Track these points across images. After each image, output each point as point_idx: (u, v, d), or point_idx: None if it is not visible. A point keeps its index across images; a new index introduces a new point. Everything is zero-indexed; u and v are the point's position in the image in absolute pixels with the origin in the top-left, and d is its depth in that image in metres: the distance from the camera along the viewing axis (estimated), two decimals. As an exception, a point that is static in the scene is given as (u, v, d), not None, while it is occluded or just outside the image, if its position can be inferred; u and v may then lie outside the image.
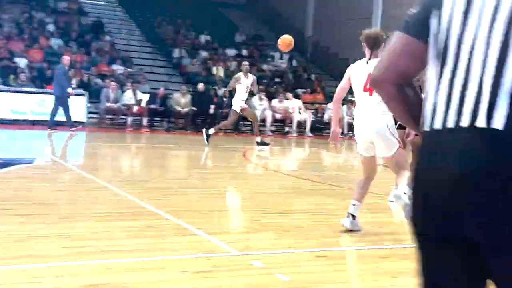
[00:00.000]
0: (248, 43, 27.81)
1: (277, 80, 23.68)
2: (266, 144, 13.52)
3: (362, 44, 5.52)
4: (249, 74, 13.32)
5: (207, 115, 18.21)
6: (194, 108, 17.78)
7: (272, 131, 18.49)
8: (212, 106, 18.02)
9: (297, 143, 16.83)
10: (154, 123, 17.96)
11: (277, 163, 12.47)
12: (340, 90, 5.69)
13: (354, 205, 5.48)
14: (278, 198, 7.35)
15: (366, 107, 5.38)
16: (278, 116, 18.89)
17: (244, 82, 13.13)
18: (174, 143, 14.96)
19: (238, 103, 13.25)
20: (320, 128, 20.07)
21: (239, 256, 4.47)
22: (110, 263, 4.08)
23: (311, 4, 30.57)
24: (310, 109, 20.18)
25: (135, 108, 17.38)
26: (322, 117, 19.87)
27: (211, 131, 13.42)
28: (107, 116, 17.78)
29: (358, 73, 5.51)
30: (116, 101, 17.35)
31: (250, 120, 14.37)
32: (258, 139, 13.42)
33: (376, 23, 26.17)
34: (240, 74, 13.28)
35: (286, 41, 9.90)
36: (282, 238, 5.19)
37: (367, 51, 5.47)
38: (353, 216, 5.43)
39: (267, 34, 30.12)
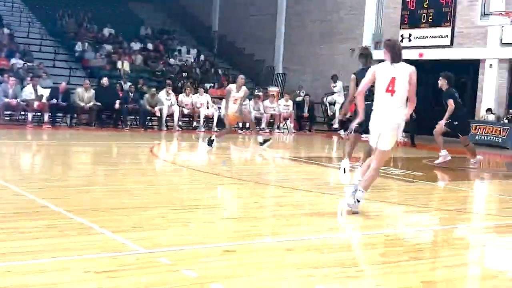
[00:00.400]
0: (154, 37, 27.44)
1: (184, 74, 23.51)
2: (210, 145, 12.81)
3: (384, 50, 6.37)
4: (243, 88, 13.18)
5: (113, 111, 17.79)
6: (98, 103, 17.32)
7: (180, 127, 18.35)
8: (117, 101, 17.62)
9: (205, 138, 16.79)
10: (56, 119, 17.32)
11: (185, 158, 12.40)
12: (364, 85, 6.49)
13: (360, 180, 6.44)
14: (186, 193, 7.32)
15: (386, 106, 6.17)
16: (186, 111, 18.77)
17: (234, 95, 13.00)
18: (77, 139, 14.52)
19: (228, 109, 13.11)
20: (228, 122, 20.11)
21: (146, 253, 4.41)
22: (10, 266, 3.92)
23: (217, -1, 30.61)
24: (218, 104, 20.16)
25: (36, 104, 16.69)
26: (229, 111, 19.92)
27: (213, 137, 13.04)
28: (6, 112, 16.98)
29: (382, 75, 6.27)
30: (15, 96, 16.59)
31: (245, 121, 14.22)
32: (213, 137, 13.06)
33: (281, 19, 26.57)
34: (232, 87, 13.11)
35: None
36: (190, 234, 5.17)
37: (388, 56, 6.28)
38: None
39: (173, 28, 29.85)
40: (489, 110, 18.69)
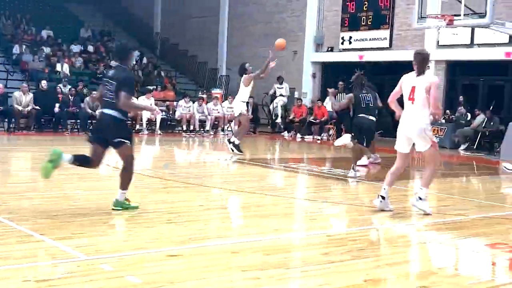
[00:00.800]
0: (95, 39, 26.97)
1: (126, 77, 23.15)
2: (240, 151, 12.38)
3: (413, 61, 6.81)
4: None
5: (52, 114, 17.36)
6: (37, 107, 16.88)
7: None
8: (57, 105, 17.22)
9: (148, 141, 16.63)
10: (-6, 124, 16.81)
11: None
12: (392, 94, 7.05)
13: (384, 189, 6.77)
14: (129, 198, 7.20)
15: (409, 113, 6.67)
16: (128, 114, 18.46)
17: (250, 86, 12.51)
18: (16, 144, 14.11)
19: (242, 107, 12.60)
20: (172, 125, 19.94)
21: (88, 260, 4.33)
22: None
23: (158, 0, 30.30)
24: (161, 106, 19.96)
25: (-29, 108, 16.15)
26: (174, 114, 19.76)
27: (237, 141, 12.42)
28: None
29: (406, 84, 6.79)
30: None
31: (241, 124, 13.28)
32: (237, 141, 12.43)
33: (223, 21, 26.58)
34: (248, 77, 12.44)
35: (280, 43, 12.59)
36: (133, 239, 5.10)
37: (416, 67, 6.75)
38: (383, 198, 6.73)
39: (114, 30, 29.41)
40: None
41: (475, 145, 16.87)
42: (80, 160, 6.42)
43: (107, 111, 6.15)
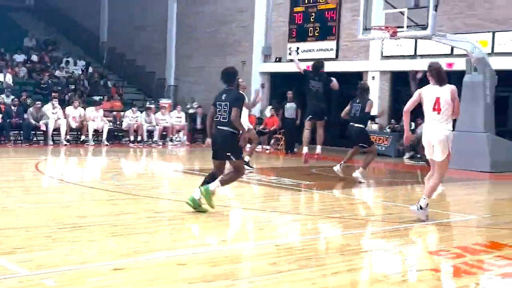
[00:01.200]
0: (39, 48, 26.40)
1: (71, 87, 22.75)
2: (251, 167, 11.95)
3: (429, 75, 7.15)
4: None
5: (-6, 126, 16.87)
6: (-22, 118, 16.37)
7: (67, 141, 17.66)
8: (0, 116, 16.74)
9: (95, 152, 16.33)
10: None
11: (73, 174, 11.97)
12: (410, 103, 7.32)
13: (424, 198, 7.05)
14: (73, 211, 7.05)
15: (434, 122, 7.05)
16: (73, 125, 18.08)
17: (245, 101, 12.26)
18: (-45, 156, 13.62)
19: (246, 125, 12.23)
20: (120, 136, 19.63)
21: (30, 276, 4.20)
22: None
23: (105, 9, 29.91)
24: (108, 116, 19.64)
25: None
26: (121, 124, 19.46)
27: (247, 158, 11.80)
28: None
29: (428, 95, 7.09)
30: None
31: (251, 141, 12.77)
32: (247, 158, 11.78)
33: (171, 30, 26.44)
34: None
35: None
36: (76, 253, 4.98)
37: (433, 80, 7.07)
38: (421, 207, 7.01)
39: (60, 39, 28.88)
40: (372, 120, 19.56)
41: (419, 154, 17.26)
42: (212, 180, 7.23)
43: (220, 127, 7.18)
